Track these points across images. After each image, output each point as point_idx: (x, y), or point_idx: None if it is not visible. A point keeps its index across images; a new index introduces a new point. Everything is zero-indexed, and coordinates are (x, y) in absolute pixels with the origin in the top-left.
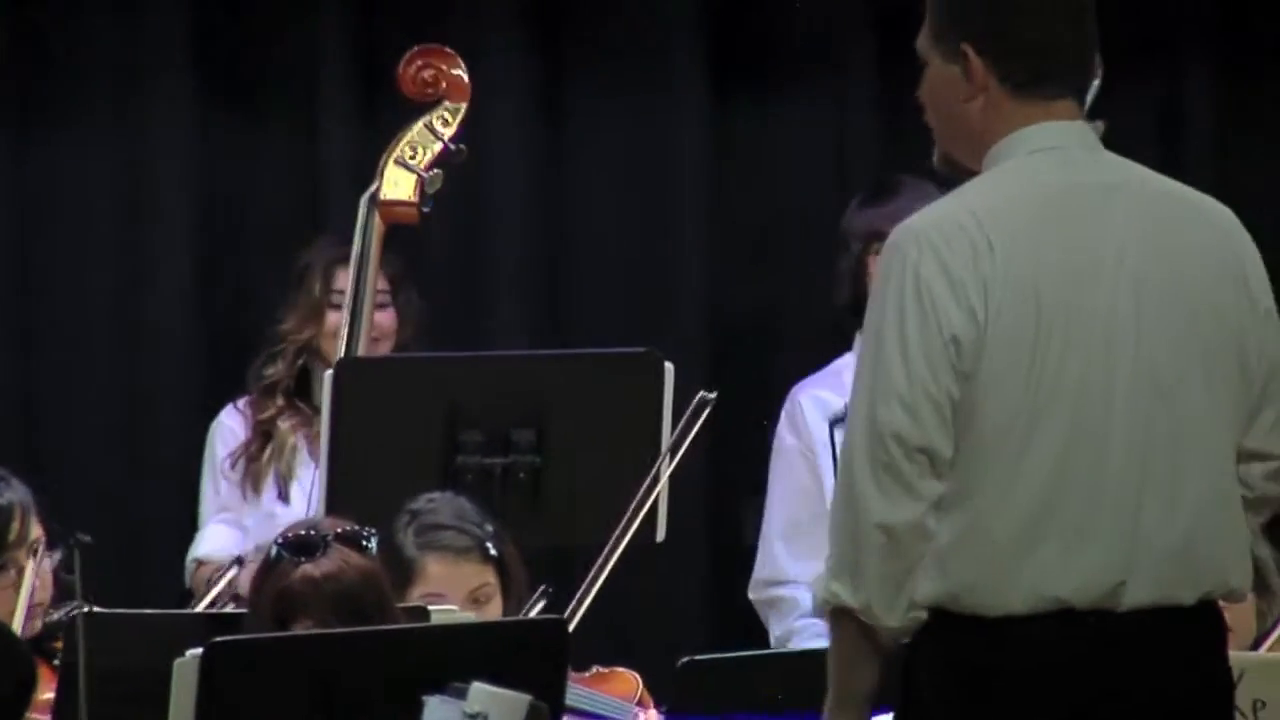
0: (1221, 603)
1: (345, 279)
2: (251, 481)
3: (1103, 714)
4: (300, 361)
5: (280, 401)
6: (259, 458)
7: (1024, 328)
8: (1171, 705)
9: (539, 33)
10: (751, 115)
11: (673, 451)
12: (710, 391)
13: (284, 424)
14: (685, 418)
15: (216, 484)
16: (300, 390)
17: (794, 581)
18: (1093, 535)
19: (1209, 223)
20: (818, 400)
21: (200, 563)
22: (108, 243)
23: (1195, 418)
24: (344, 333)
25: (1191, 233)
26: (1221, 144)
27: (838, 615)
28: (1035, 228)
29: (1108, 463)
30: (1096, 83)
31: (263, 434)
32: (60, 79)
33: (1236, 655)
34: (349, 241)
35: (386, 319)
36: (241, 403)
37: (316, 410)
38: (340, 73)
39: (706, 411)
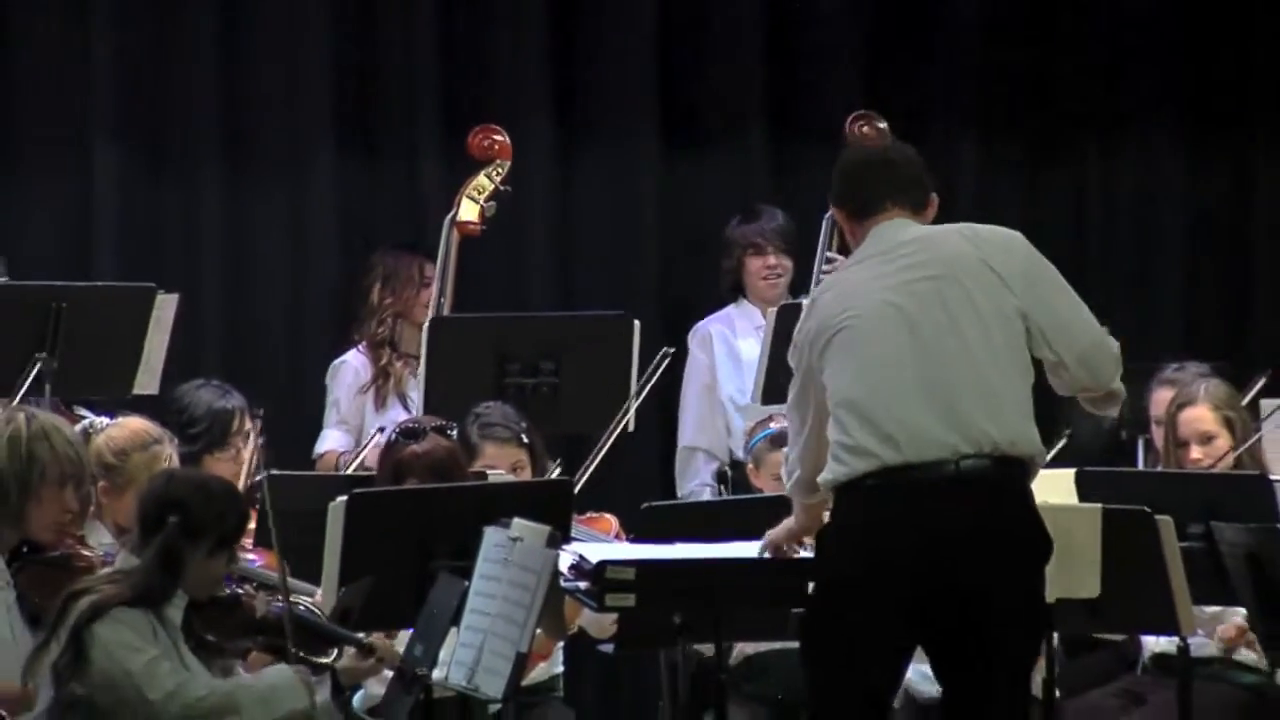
0: None
1: (431, 270)
2: (380, 400)
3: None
4: (395, 324)
5: (388, 351)
6: (385, 388)
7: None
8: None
9: (555, 111)
10: (690, 165)
11: (641, 390)
12: (668, 347)
13: (397, 363)
14: (651, 366)
15: (339, 404)
16: (394, 341)
17: (697, 448)
18: None
19: (954, 232)
20: (719, 331)
21: (322, 456)
22: (284, 251)
23: (970, 339)
24: (434, 302)
25: (945, 241)
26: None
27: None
28: (852, 269)
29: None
30: None
31: (384, 372)
32: (250, 138)
33: None
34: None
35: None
36: (359, 349)
37: (410, 354)
38: (433, 134)
39: (665, 363)
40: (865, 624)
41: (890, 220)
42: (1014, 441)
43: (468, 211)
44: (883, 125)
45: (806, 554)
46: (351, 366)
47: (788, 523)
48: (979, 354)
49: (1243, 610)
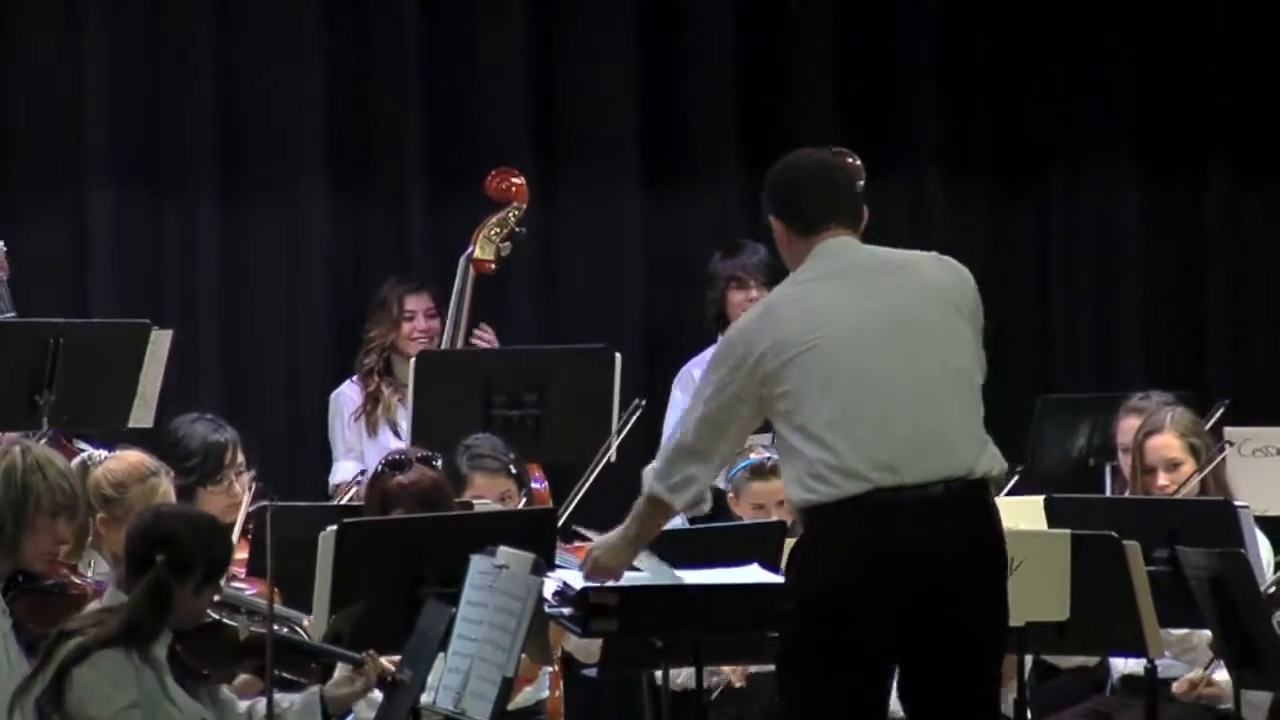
0: None
1: (413, 302)
2: (370, 428)
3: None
4: (385, 355)
5: (377, 380)
6: (374, 414)
7: (816, 343)
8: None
9: (538, 148)
10: (670, 201)
11: (620, 431)
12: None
13: (386, 391)
14: (626, 413)
15: (344, 433)
16: (388, 371)
17: None
18: None
19: (915, 259)
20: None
21: (337, 486)
22: (279, 284)
23: (933, 361)
24: (448, 335)
25: (907, 269)
26: None
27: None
28: (811, 284)
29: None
30: None
31: (373, 399)
32: (244, 173)
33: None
34: (416, 279)
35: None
36: (354, 379)
37: (401, 383)
38: (422, 170)
39: (638, 413)
40: (855, 642)
41: (837, 238)
42: (989, 466)
43: (484, 250)
44: (858, 162)
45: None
46: (346, 396)
47: (622, 534)
48: (954, 380)
49: (1208, 632)
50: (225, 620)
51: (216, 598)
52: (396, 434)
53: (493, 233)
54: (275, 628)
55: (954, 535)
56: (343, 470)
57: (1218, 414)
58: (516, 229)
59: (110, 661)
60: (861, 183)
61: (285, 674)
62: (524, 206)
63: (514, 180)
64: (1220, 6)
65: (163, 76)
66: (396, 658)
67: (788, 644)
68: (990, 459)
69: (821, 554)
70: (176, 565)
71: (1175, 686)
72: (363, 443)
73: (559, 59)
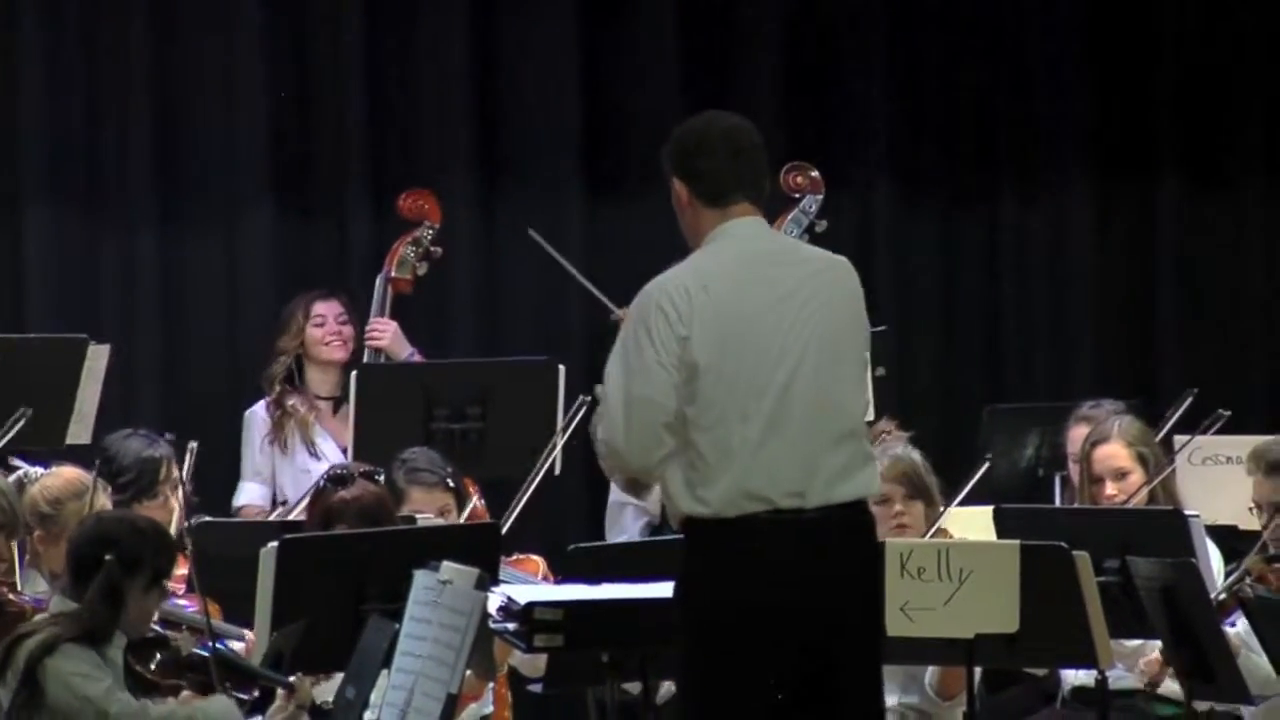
0: (899, 506)
1: (322, 308)
2: (282, 447)
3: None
4: (289, 365)
5: (279, 389)
6: (284, 430)
7: (727, 341)
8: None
9: (479, 162)
10: (613, 213)
11: (565, 430)
12: (586, 394)
13: (298, 404)
14: (571, 411)
15: (253, 455)
16: (297, 382)
17: (626, 502)
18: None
19: (838, 269)
20: None
21: (241, 509)
22: (218, 301)
23: (841, 385)
24: (367, 356)
25: (828, 274)
26: None
27: None
28: (731, 275)
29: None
30: (819, 196)
31: (278, 408)
32: (183, 189)
33: (912, 540)
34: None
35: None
36: (266, 399)
37: (316, 395)
38: (363, 188)
39: (583, 410)
40: (754, 665)
41: (748, 217)
42: (877, 489)
43: (401, 270)
44: (815, 175)
45: None
46: (259, 416)
47: None
48: (857, 397)
49: (1159, 643)
50: (169, 635)
51: (163, 603)
52: (314, 454)
53: (409, 252)
54: (215, 644)
55: (847, 559)
56: (246, 492)
57: (1170, 423)
58: (431, 248)
59: (81, 650)
60: (820, 197)
61: (230, 691)
62: (437, 226)
63: (425, 200)
64: (1169, 13)
65: (99, 93)
66: (339, 676)
67: (690, 660)
68: (877, 477)
69: (721, 573)
70: (126, 563)
71: (1143, 664)
72: (273, 464)
73: (500, 72)
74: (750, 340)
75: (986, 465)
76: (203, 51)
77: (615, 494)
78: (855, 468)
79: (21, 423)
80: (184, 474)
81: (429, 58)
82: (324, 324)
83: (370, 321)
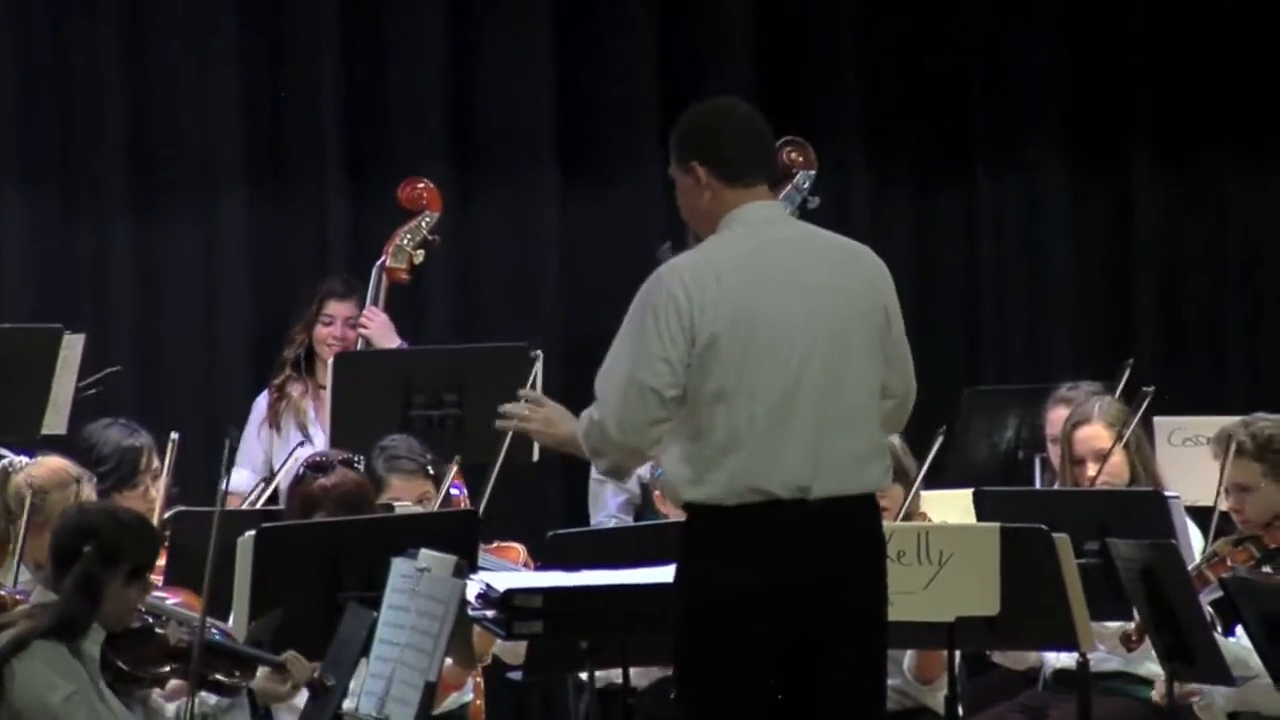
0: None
1: (335, 308)
2: (276, 427)
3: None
4: (301, 353)
5: (288, 371)
6: (280, 411)
7: (738, 328)
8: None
9: (455, 149)
10: (590, 199)
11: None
12: (537, 351)
13: (294, 391)
14: (530, 379)
15: (249, 442)
16: (307, 369)
17: (605, 480)
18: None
19: (858, 260)
20: None
21: (229, 493)
22: (195, 290)
23: (852, 379)
24: (360, 344)
25: (847, 266)
26: None
27: None
28: (746, 265)
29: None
30: (812, 173)
31: (279, 392)
32: (158, 177)
33: (893, 524)
34: (349, 286)
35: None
36: (270, 384)
37: (319, 385)
38: (339, 176)
39: (537, 366)
40: (751, 653)
41: (763, 201)
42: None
43: (397, 259)
44: (810, 151)
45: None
46: (260, 403)
47: (570, 432)
48: (872, 389)
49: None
50: (154, 624)
51: (141, 607)
52: (306, 437)
53: (405, 241)
54: (209, 630)
55: (852, 546)
56: (236, 478)
57: (1145, 404)
58: (429, 236)
59: (49, 650)
60: (814, 173)
61: (215, 678)
62: (437, 214)
63: (426, 188)
64: None
65: (73, 79)
66: (318, 664)
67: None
68: (889, 469)
69: (723, 553)
70: (105, 556)
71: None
72: (270, 447)
73: (475, 61)
74: (762, 332)
75: (941, 439)
76: (178, 39)
77: (595, 473)
78: (864, 461)
79: None
80: (166, 465)
81: (404, 46)
82: (331, 324)
83: (364, 312)
